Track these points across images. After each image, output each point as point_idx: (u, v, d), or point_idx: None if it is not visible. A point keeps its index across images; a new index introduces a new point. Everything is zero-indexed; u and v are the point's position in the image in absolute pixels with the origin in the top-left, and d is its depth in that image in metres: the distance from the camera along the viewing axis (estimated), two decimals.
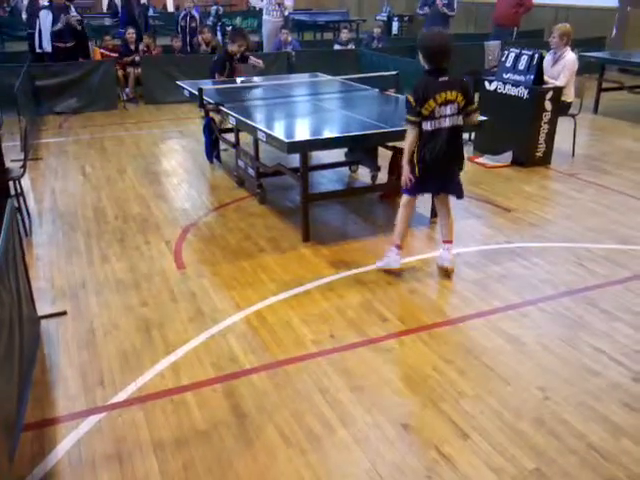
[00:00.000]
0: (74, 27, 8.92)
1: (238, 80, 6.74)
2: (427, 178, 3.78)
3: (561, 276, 4.05)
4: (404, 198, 3.95)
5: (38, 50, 9.00)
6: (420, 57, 3.75)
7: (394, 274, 4.07)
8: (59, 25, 8.78)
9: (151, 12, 15.27)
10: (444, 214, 4.07)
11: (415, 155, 3.73)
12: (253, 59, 7.10)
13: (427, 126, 3.68)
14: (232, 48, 6.73)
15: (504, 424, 2.69)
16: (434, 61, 3.69)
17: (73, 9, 9.15)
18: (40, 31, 8.79)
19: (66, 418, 2.75)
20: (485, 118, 4.52)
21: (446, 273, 4.04)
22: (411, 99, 3.67)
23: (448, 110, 3.67)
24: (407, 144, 3.74)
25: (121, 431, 2.67)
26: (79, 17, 9.12)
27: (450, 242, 4.05)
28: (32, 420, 2.73)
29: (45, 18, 8.71)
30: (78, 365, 3.13)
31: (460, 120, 3.76)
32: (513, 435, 2.63)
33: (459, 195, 3.97)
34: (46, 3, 9.21)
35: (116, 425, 2.71)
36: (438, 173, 3.82)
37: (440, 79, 3.68)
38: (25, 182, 5.36)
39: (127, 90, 9.78)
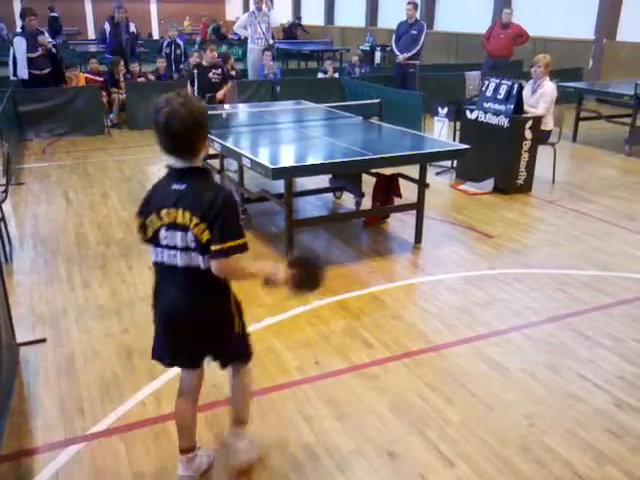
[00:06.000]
0: (50, 51, 8.92)
1: (225, 107, 6.80)
2: (161, 335, 2.38)
3: (544, 302, 4.07)
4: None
5: (13, 78, 8.96)
6: None
7: (379, 300, 4.07)
8: (39, 51, 8.77)
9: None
10: (232, 385, 2.56)
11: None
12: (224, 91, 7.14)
13: (154, 255, 2.25)
14: (204, 57, 6.89)
15: (490, 452, 2.67)
16: (163, 149, 2.13)
17: (46, 34, 9.17)
18: (15, 58, 8.77)
19: (44, 449, 2.68)
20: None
21: (238, 471, 2.59)
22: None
23: (179, 240, 2.14)
24: None
25: (101, 462, 2.61)
26: (53, 41, 9.16)
27: (239, 424, 2.61)
28: (8, 451, 2.66)
29: (19, 45, 8.68)
30: (57, 393, 3.07)
31: (200, 261, 2.15)
32: (499, 463, 2.61)
33: (223, 361, 2.42)
34: (19, 30, 9.22)
35: (96, 456, 2.64)
36: (171, 331, 2.32)
37: (174, 185, 2.15)
38: (7, 207, 5.30)
39: (111, 116, 9.78)
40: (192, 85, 6.91)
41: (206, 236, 2.10)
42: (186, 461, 2.46)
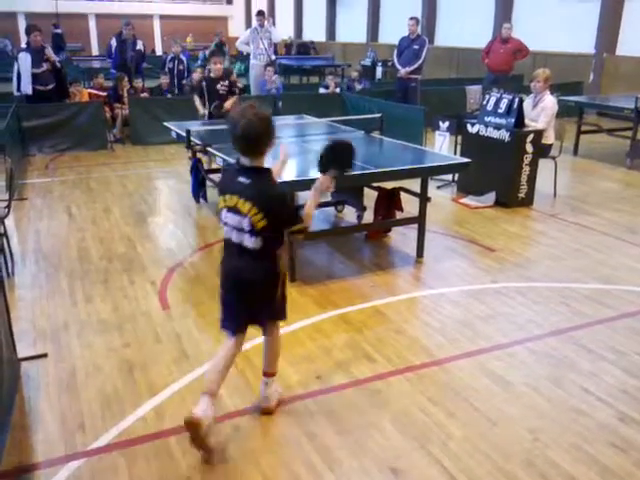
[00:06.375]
0: (54, 65, 9.00)
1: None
2: (225, 297, 2.88)
3: (546, 316, 4.06)
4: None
5: (16, 93, 9.04)
6: None
7: (381, 313, 4.07)
8: (44, 66, 8.85)
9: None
10: (266, 341, 3.03)
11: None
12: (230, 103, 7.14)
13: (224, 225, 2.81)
14: (209, 68, 6.90)
15: (493, 467, 2.65)
16: (236, 149, 2.69)
17: (50, 50, 9.27)
18: (19, 73, 8.83)
19: (44, 464, 2.67)
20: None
21: (265, 411, 3.02)
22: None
23: (236, 222, 2.68)
24: None
25: (101, 478, 2.59)
26: (57, 57, 9.27)
27: (270, 375, 3.04)
28: (9, 466, 2.64)
29: (24, 60, 8.75)
30: (58, 409, 3.05)
31: (253, 242, 2.68)
32: (502, 478, 2.58)
33: (263, 325, 2.94)
34: (24, 46, 9.32)
35: (96, 472, 2.63)
36: (231, 292, 2.85)
37: (239, 178, 2.69)
38: (9, 222, 5.32)
39: (114, 131, 9.84)
40: (201, 97, 6.93)
41: (262, 223, 2.63)
42: (208, 396, 2.70)
